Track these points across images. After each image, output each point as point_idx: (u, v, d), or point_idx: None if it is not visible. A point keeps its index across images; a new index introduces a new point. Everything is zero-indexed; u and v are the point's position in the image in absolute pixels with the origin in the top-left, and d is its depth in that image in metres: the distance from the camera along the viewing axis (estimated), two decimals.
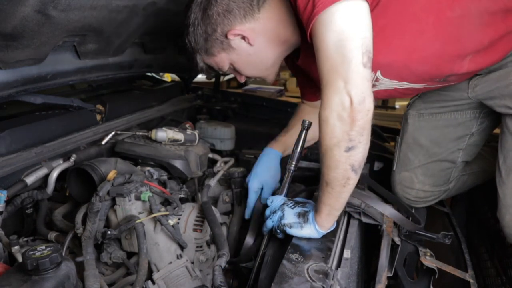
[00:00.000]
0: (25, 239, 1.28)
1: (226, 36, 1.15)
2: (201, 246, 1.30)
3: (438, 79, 1.20)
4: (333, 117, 0.92)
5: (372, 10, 0.95)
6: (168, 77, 3.85)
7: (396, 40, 1.08)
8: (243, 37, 1.15)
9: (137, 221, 1.14)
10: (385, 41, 1.06)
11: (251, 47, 1.18)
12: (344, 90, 0.89)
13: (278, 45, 1.20)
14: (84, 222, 1.19)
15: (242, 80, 1.34)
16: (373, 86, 1.22)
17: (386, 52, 1.09)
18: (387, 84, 1.21)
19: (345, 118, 0.90)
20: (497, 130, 1.45)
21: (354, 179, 0.98)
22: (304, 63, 1.27)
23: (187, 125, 1.76)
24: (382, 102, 5.96)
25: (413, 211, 1.60)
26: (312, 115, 1.50)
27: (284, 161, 1.44)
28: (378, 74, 1.17)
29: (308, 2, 0.92)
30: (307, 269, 0.95)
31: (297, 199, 1.25)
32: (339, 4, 0.88)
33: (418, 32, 1.08)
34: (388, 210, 1.20)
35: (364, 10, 0.91)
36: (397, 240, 1.25)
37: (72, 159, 1.37)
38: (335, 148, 0.94)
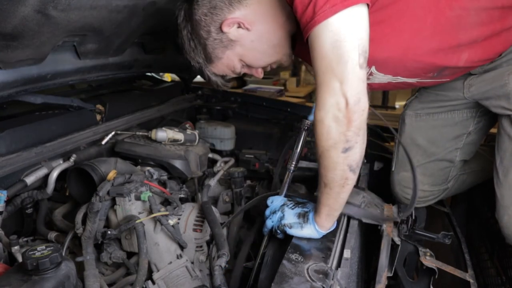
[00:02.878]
0: (25, 239, 1.28)
1: (222, 31, 1.11)
2: (201, 246, 1.30)
3: (432, 74, 1.21)
4: (329, 118, 0.91)
5: (371, 6, 0.94)
6: (168, 77, 3.85)
7: (393, 38, 1.08)
8: (239, 25, 1.10)
9: (137, 221, 1.14)
10: (382, 38, 1.07)
11: (250, 32, 1.12)
12: (340, 91, 0.88)
13: (278, 27, 1.14)
14: (84, 222, 1.19)
15: (260, 75, 1.25)
16: (367, 79, 1.22)
17: (382, 49, 1.09)
18: (381, 78, 1.22)
19: (341, 119, 0.90)
20: (494, 130, 1.45)
21: (352, 179, 0.98)
22: (300, 53, 1.25)
23: (187, 125, 1.76)
24: (382, 102, 5.98)
25: (413, 211, 1.60)
26: None
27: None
28: (373, 69, 1.17)
29: (308, 6, 0.90)
30: (307, 269, 0.95)
31: (297, 199, 1.25)
32: (338, 14, 0.86)
33: (415, 31, 1.08)
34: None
35: (362, 13, 0.90)
36: (397, 240, 1.26)
37: (72, 159, 1.37)
38: (331, 150, 0.93)
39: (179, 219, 1.28)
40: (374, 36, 0.95)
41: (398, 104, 5.91)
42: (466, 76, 1.31)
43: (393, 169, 1.60)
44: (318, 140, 0.96)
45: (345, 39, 0.87)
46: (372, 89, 1.32)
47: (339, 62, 0.88)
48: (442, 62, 1.16)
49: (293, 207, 1.16)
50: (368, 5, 0.91)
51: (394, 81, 1.23)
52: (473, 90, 1.29)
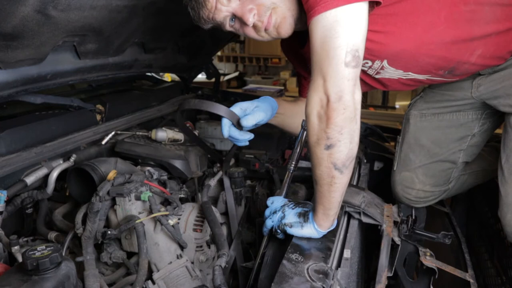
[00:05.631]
0: (25, 239, 1.28)
1: None
2: (201, 246, 1.30)
3: (443, 71, 1.21)
4: (313, 115, 0.92)
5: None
6: (168, 77, 3.85)
7: (407, 31, 1.08)
8: None
9: (137, 221, 1.14)
10: (395, 31, 1.06)
11: None
12: (322, 88, 0.89)
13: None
14: (84, 222, 1.19)
15: (255, 35, 1.11)
16: (377, 73, 1.22)
17: (395, 42, 1.08)
18: (391, 73, 1.21)
19: (322, 116, 0.91)
20: (497, 130, 1.45)
21: (339, 178, 0.96)
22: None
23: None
24: (382, 102, 5.98)
25: (413, 211, 1.60)
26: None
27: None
28: (385, 63, 1.16)
29: None
30: (307, 269, 0.95)
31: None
32: (339, 8, 0.86)
33: (429, 25, 1.07)
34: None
35: (363, 12, 0.89)
36: (397, 240, 1.25)
37: (72, 159, 1.37)
38: (316, 146, 0.95)
39: (179, 219, 1.28)
40: (387, 29, 0.94)
41: (398, 104, 5.92)
42: (474, 76, 1.31)
43: (394, 168, 1.60)
44: (307, 136, 0.98)
45: (335, 35, 0.87)
46: (383, 87, 1.31)
47: (325, 59, 0.88)
48: (455, 56, 1.15)
49: (293, 207, 1.16)
50: (374, 2, 0.90)
51: (404, 77, 1.23)
52: (482, 90, 1.29)
